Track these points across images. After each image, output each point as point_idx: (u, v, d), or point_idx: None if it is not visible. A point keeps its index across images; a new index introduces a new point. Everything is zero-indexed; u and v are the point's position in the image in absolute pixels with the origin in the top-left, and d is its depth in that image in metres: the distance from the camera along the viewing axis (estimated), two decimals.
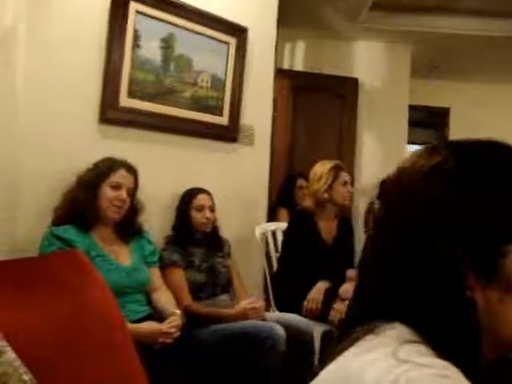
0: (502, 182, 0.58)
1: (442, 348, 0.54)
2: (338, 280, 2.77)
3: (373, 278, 0.64)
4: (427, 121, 7.63)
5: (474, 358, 0.55)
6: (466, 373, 0.50)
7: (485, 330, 0.57)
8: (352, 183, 3.12)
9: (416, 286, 0.58)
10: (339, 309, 2.60)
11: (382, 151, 5.16)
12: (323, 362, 0.61)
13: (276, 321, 2.38)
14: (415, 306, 0.58)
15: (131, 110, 2.55)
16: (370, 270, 0.65)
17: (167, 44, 2.67)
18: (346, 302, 2.56)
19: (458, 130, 6.40)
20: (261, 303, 2.46)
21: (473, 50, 5.14)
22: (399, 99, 5.12)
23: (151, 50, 2.61)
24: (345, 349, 0.59)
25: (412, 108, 5.33)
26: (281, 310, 2.80)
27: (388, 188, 0.66)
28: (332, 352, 0.61)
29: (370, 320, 0.60)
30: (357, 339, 0.58)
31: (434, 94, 6.38)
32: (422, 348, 0.53)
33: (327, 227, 2.97)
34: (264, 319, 2.40)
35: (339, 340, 0.63)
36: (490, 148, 0.63)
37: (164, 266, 2.43)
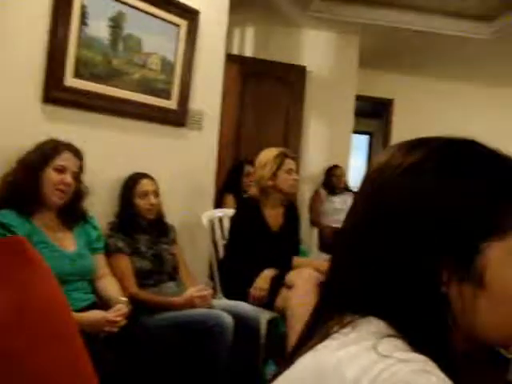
0: (480, 181, 0.59)
1: (417, 342, 0.54)
2: (284, 267, 2.79)
3: (347, 271, 0.64)
4: (372, 111, 7.81)
5: (447, 351, 0.56)
6: (440, 366, 0.51)
7: (458, 325, 0.59)
8: (297, 171, 3.11)
9: (393, 282, 0.59)
10: (285, 296, 2.62)
11: (327, 139, 5.23)
12: (293, 356, 0.61)
13: (223, 308, 2.38)
14: (391, 301, 0.58)
15: (77, 91, 2.45)
16: (345, 264, 0.64)
17: (116, 23, 2.58)
18: (293, 290, 2.58)
19: (402, 121, 6.59)
20: (209, 291, 2.44)
21: (419, 45, 5.29)
22: (346, 89, 5.20)
23: (99, 29, 2.51)
24: (318, 343, 0.58)
25: (358, 98, 5.43)
26: (227, 296, 2.80)
27: (366, 184, 0.66)
28: (304, 345, 0.61)
29: (342, 313, 0.60)
30: (331, 333, 0.58)
31: (380, 85, 6.53)
32: (399, 342, 0.54)
33: (273, 215, 2.97)
34: (211, 307, 2.39)
35: (310, 333, 0.63)
36: (468, 147, 0.64)
37: (109, 252, 2.37)
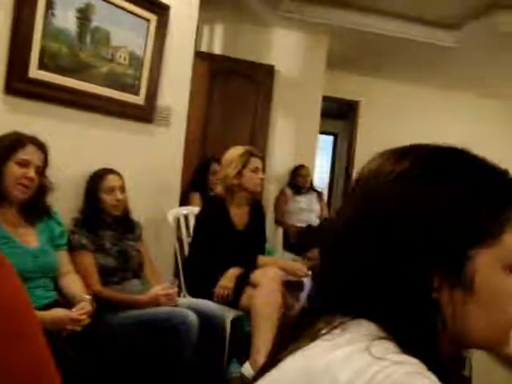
0: (469, 189, 0.60)
1: (408, 345, 0.55)
2: (249, 266, 2.79)
3: (339, 275, 0.64)
4: (337, 112, 7.89)
5: (436, 354, 0.57)
6: (430, 369, 0.52)
7: (447, 328, 0.60)
8: (264, 169, 3.10)
9: (385, 286, 0.59)
10: (250, 295, 2.63)
11: (294, 139, 5.26)
12: (275, 357, 0.61)
13: (188, 306, 2.36)
14: (383, 305, 0.59)
15: (41, 83, 2.39)
16: (337, 268, 0.65)
17: (84, 15, 2.52)
18: (258, 289, 2.58)
19: (367, 123, 6.69)
20: (174, 289, 2.42)
21: (386, 49, 5.38)
22: (313, 89, 5.24)
23: (66, 20, 2.45)
24: (306, 344, 0.59)
25: (325, 99, 5.48)
26: (192, 295, 2.78)
27: (356, 190, 0.67)
28: (287, 346, 0.61)
29: (331, 315, 0.61)
30: (320, 335, 0.59)
31: (346, 87, 6.60)
32: (391, 345, 0.55)
33: (239, 213, 2.96)
34: (176, 305, 2.37)
35: (295, 335, 0.63)
36: (457, 155, 0.65)
37: (72, 249, 2.32)
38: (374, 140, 6.33)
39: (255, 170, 2.88)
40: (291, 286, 2.94)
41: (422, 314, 0.58)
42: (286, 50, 5.13)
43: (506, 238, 0.60)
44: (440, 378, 0.52)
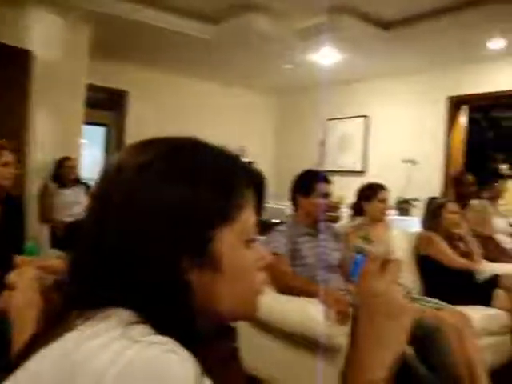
0: (206, 176, 0.66)
1: (163, 326, 0.58)
2: (4, 267, 2.58)
3: (90, 269, 0.64)
4: (106, 102, 7.72)
5: (191, 332, 0.61)
6: (186, 345, 0.56)
7: (202, 306, 0.64)
8: (23, 163, 2.90)
9: (137, 274, 0.61)
10: (7, 298, 2.44)
11: (57, 129, 5.02)
12: (32, 348, 0.59)
13: None
14: (136, 292, 0.61)
15: None
16: (87, 261, 0.65)
17: None
18: (15, 290, 2.41)
19: (136, 113, 6.70)
20: None
21: (151, 39, 5.45)
22: (76, 78, 5.05)
23: None
24: (61, 335, 0.58)
25: (91, 88, 5.33)
26: None
27: (102, 183, 0.68)
28: (42, 340, 0.60)
29: (84, 307, 0.61)
30: (73, 326, 0.58)
31: (115, 76, 6.53)
32: (146, 328, 0.57)
33: None
34: None
35: (52, 326, 0.62)
36: (194, 146, 0.70)
37: None
38: (144, 129, 6.36)
39: (5, 165, 2.69)
40: (60, 285, 2.82)
41: (174, 296, 0.62)
42: (44, 34, 4.82)
43: (241, 216, 0.67)
44: (198, 352, 0.56)
